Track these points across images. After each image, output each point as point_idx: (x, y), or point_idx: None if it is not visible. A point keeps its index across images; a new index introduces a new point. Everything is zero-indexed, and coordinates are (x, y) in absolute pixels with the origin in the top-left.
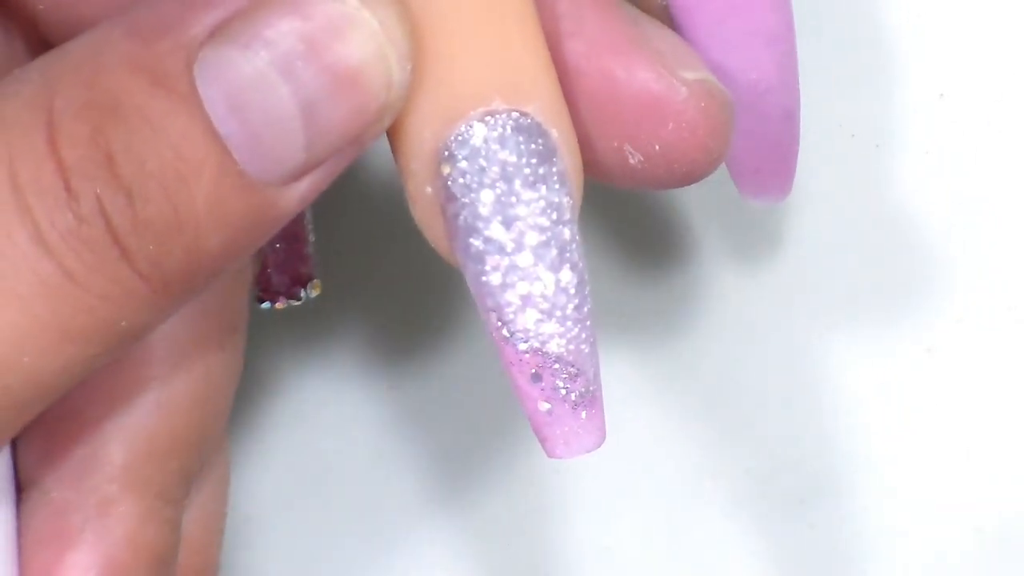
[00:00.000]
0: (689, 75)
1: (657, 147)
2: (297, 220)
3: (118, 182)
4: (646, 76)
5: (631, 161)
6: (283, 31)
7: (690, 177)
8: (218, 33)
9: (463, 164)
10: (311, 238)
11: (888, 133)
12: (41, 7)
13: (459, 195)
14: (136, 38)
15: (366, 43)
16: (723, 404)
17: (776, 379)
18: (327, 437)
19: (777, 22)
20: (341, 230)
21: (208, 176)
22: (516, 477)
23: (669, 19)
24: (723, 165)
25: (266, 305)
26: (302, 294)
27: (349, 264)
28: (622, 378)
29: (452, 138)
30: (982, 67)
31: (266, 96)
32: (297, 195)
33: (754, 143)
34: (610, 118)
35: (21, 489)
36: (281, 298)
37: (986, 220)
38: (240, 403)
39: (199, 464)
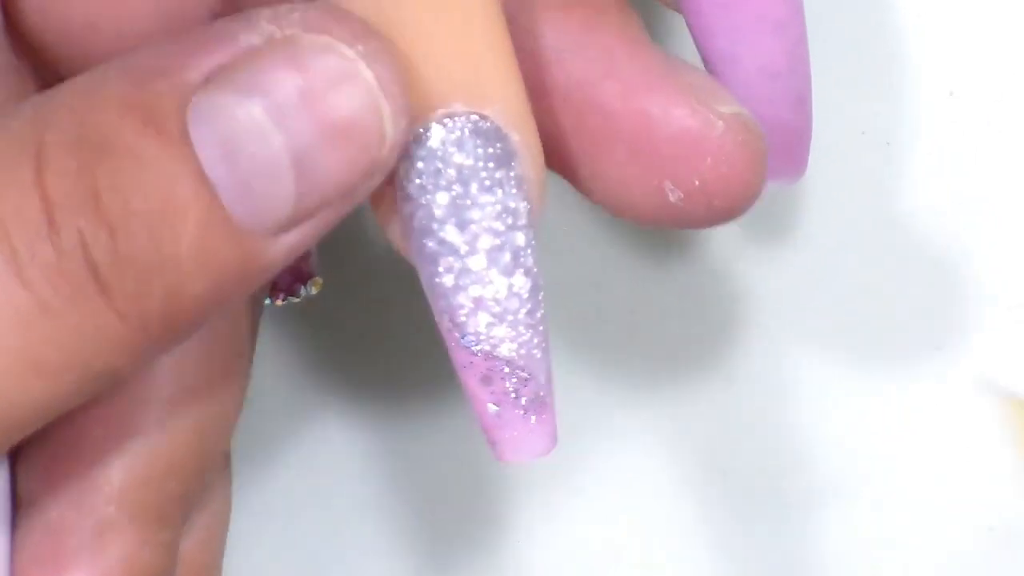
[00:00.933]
0: (724, 109)
1: (697, 183)
2: None
3: (101, 218)
4: (682, 112)
5: (671, 199)
6: (278, 80)
7: (731, 212)
8: (214, 78)
9: (420, 165)
10: None
11: (898, 131)
12: (50, 37)
13: (415, 196)
14: (131, 78)
15: (361, 97)
16: (723, 404)
17: (780, 378)
18: (327, 439)
19: (786, 6)
20: (343, 229)
21: (194, 220)
22: (518, 477)
23: (678, 5)
24: None
25: (267, 302)
26: (302, 291)
27: (352, 265)
28: (622, 378)
29: (409, 139)
30: (992, 65)
31: (258, 144)
32: (286, 246)
33: (765, 127)
34: (649, 156)
35: (18, 508)
36: (281, 295)
37: (996, 218)
38: (246, 415)
39: (200, 488)
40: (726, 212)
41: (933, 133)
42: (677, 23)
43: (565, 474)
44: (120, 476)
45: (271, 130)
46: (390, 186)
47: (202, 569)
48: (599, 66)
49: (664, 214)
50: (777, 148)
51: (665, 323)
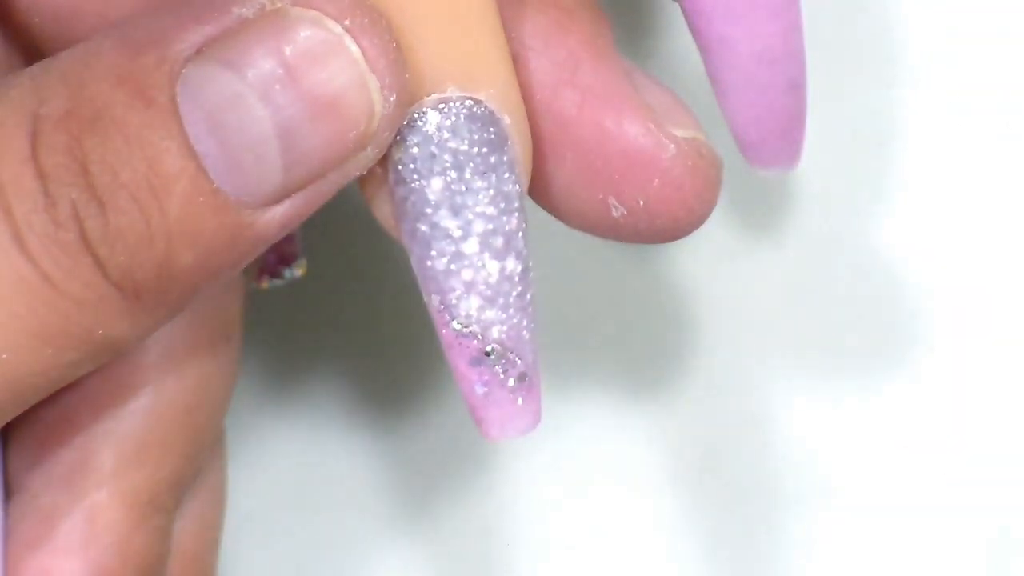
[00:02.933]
0: (680, 132)
1: (641, 202)
2: None
3: (92, 190)
4: (635, 130)
5: (614, 214)
6: (264, 54)
7: (672, 234)
8: (204, 51)
9: (414, 150)
10: None
11: (890, 131)
12: (37, 20)
13: (408, 180)
14: (124, 50)
15: (346, 71)
16: (710, 403)
17: (776, 378)
18: (327, 437)
19: None
20: (331, 212)
21: (181, 191)
22: (517, 473)
23: None
24: (731, 137)
25: (252, 285)
26: (287, 273)
27: (350, 260)
28: (621, 377)
29: (404, 123)
30: (986, 65)
31: (244, 118)
32: (276, 219)
33: (760, 114)
34: (597, 169)
35: (9, 494)
36: (266, 277)
37: (991, 219)
38: (240, 402)
39: (192, 472)
40: (668, 233)
41: (926, 133)
42: (671, 11)
43: (553, 473)
44: (111, 460)
45: (256, 104)
46: (381, 167)
47: (197, 555)
48: (562, 71)
49: (606, 227)
50: (772, 135)
51: (653, 324)
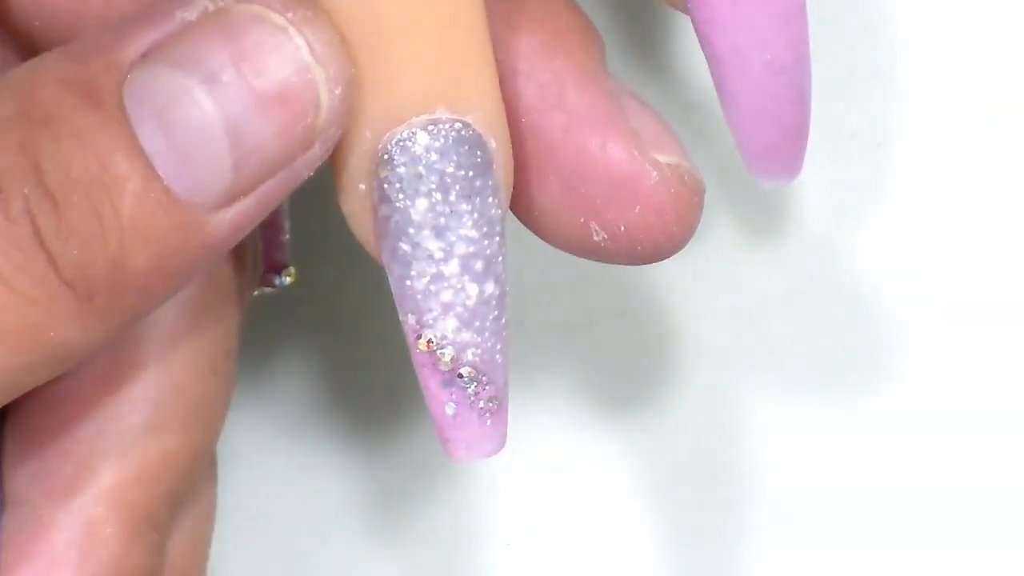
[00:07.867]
0: (663, 158)
1: (622, 228)
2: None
3: (44, 188)
4: (619, 157)
5: (595, 238)
6: (210, 51)
7: (651, 258)
8: (150, 54)
9: (401, 170)
10: (287, 225)
11: (889, 132)
12: (37, 24)
13: (393, 199)
14: (72, 57)
15: (291, 63)
16: (721, 405)
17: (775, 377)
18: (324, 438)
19: (793, 2)
20: (324, 225)
21: (132, 190)
22: (516, 475)
23: (684, 4)
24: (735, 147)
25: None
26: (276, 281)
27: (337, 273)
28: (597, 389)
29: (393, 142)
30: (984, 66)
31: (191, 113)
32: (228, 222)
33: (765, 123)
34: (580, 194)
35: (6, 506)
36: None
37: (989, 220)
38: (237, 404)
39: (188, 489)
40: (648, 258)
41: (925, 134)
42: (680, 23)
43: (551, 475)
44: (109, 476)
45: (203, 98)
46: (365, 185)
47: (187, 571)
48: (548, 94)
49: (587, 250)
50: (778, 146)
51: (652, 324)
